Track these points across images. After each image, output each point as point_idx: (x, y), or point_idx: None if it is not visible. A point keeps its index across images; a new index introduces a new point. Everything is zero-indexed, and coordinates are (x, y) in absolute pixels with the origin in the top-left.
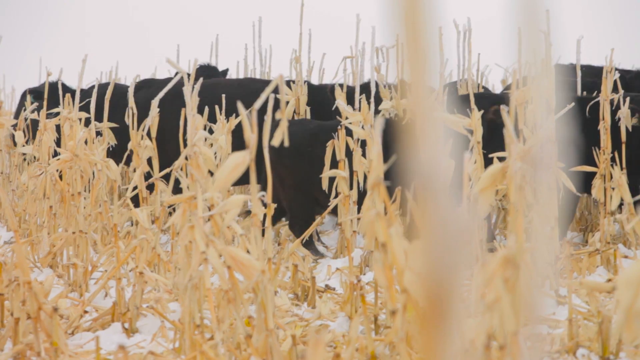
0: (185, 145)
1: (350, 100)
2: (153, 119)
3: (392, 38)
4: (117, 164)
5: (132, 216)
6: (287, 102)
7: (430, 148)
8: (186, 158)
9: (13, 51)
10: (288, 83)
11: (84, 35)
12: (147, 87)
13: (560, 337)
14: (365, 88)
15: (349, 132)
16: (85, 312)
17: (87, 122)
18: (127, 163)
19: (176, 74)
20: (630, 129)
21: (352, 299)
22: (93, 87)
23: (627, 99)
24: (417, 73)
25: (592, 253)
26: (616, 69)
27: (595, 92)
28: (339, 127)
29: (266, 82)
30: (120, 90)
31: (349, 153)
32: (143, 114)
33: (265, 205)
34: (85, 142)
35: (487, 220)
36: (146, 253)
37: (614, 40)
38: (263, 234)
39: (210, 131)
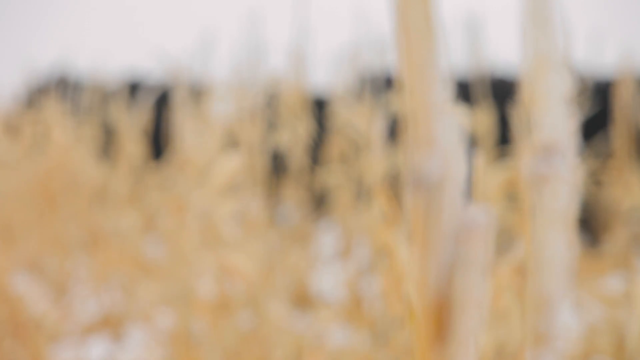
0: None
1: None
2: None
3: (395, 30)
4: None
5: (121, 219)
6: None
7: (436, 147)
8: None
9: None
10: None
11: (66, 27)
12: None
13: (573, 346)
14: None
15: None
16: (70, 320)
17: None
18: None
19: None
20: None
21: (354, 307)
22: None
23: None
24: (416, 66)
25: (607, 255)
26: None
27: None
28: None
29: None
30: None
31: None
32: None
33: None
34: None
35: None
36: (135, 258)
37: (634, 32)
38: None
39: None
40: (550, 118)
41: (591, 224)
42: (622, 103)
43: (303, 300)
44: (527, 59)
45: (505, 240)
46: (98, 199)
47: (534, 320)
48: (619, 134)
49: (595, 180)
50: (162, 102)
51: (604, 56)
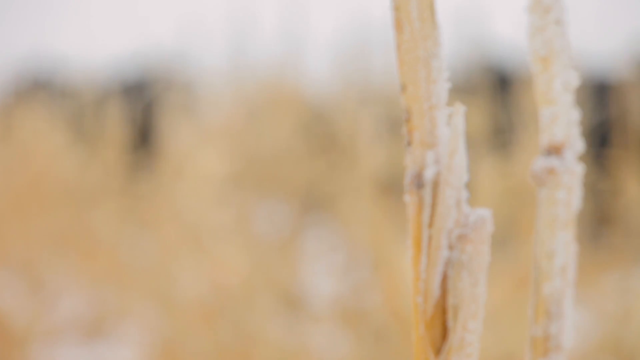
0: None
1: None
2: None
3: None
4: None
5: (101, 217)
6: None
7: (436, 146)
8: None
9: None
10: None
11: (45, 15)
12: None
13: (573, 350)
14: None
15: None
16: (47, 320)
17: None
18: None
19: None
20: None
21: (349, 312)
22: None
23: None
24: (414, 60)
25: (609, 251)
26: None
27: None
28: None
29: None
30: None
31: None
32: None
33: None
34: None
35: None
36: (114, 258)
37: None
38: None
39: None
40: (559, 114)
41: (592, 219)
42: (622, 97)
43: (293, 304)
44: (534, 52)
45: (507, 240)
46: (79, 197)
47: (537, 325)
48: (619, 128)
49: (597, 175)
50: (147, 95)
51: (606, 50)
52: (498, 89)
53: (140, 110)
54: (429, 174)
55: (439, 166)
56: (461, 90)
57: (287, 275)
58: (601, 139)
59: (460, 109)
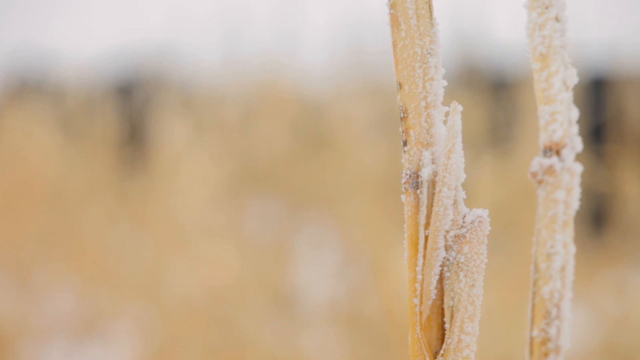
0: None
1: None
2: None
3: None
4: None
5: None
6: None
7: (433, 145)
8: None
9: None
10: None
11: (35, 9)
12: None
13: (570, 352)
14: None
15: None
16: (37, 320)
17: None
18: None
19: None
20: None
21: (345, 310)
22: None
23: None
24: (412, 59)
25: (606, 251)
26: None
27: None
28: None
29: None
30: None
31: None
32: None
33: None
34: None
35: None
36: (108, 257)
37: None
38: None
39: None
40: (558, 112)
41: (589, 217)
42: (619, 94)
43: (286, 306)
44: (534, 49)
45: (505, 240)
46: (69, 196)
47: (536, 327)
48: (616, 125)
49: (594, 173)
50: (139, 93)
51: (602, 45)
52: (496, 87)
53: (131, 109)
54: (425, 173)
55: (436, 166)
56: (458, 88)
57: (280, 276)
58: (598, 135)
59: (457, 107)
